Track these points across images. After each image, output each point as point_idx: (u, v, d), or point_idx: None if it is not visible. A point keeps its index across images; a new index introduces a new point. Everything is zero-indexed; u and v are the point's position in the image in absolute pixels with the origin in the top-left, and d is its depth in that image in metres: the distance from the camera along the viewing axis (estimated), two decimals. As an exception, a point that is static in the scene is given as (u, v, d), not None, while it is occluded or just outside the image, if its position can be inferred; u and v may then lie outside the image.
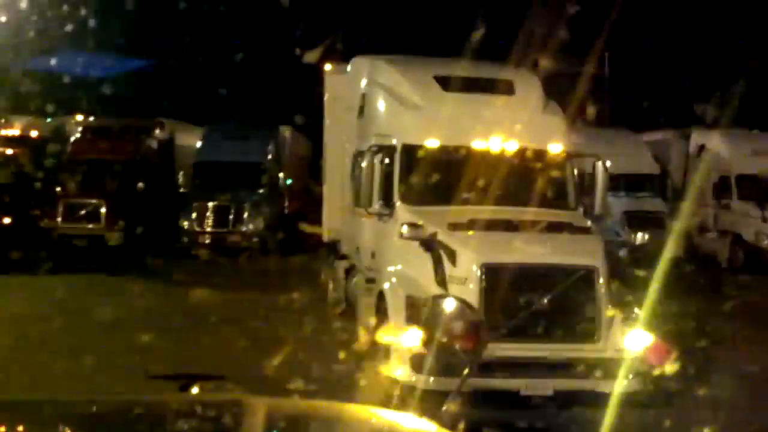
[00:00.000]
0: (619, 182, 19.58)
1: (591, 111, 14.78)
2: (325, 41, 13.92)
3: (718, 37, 25.79)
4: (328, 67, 11.65)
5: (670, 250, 9.42)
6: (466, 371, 3.52)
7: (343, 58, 11.71)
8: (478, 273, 7.59)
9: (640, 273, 10.00)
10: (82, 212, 17.59)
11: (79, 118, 20.60)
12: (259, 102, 24.91)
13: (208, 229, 18.28)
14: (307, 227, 11.69)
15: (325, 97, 11.66)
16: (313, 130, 14.86)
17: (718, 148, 20.01)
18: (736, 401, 7.61)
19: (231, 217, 18.31)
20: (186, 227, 18.24)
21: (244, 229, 18.24)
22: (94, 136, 19.16)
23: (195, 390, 3.16)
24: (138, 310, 11.06)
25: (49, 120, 20.57)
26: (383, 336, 7.59)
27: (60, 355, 8.24)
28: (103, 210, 17.52)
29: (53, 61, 17.52)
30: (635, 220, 18.85)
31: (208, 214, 18.35)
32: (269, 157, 19.81)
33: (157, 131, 19.75)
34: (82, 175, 17.88)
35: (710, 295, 13.29)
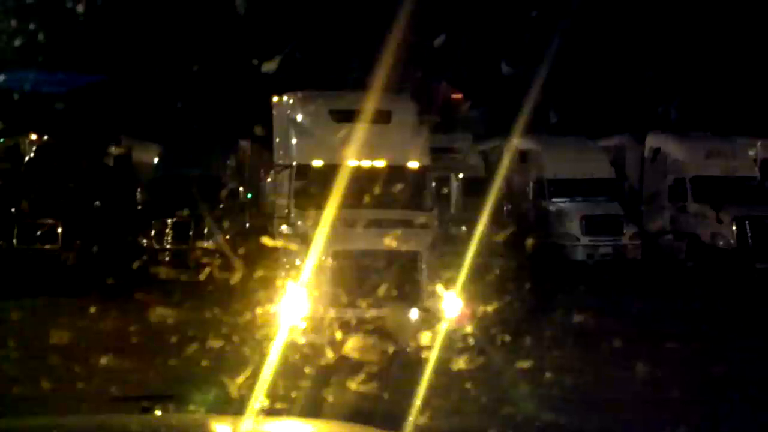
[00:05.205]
0: (575, 187, 19.91)
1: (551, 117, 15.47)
2: (283, 51, 14.54)
3: (675, 42, 26.30)
4: (275, 99, 13.81)
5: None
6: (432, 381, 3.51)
7: (301, 66, 12.91)
8: (330, 257, 10.26)
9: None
10: (38, 233, 17.23)
11: (33, 136, 20.20)
12: (217, 115, 24.68)
13: (168, 246, 18.02)
14: (268, 241, 11.67)
15: (274, 119, 13.75)
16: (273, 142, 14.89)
17: (673, 151, 20.38)
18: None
19: (191, 233, 18.08)
20: (145, 244, 17.96)
21: (204, 244, 18.02)
22: (48, 155, 18.79)
23: (158, 412, 3.10)
24: (97, 331, 10.85)
25: (1, 140, 20.13)
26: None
27: (17, 381, 8.03)
28: (59, 230, 17.18)
29: (2, 78, 17.18)
30: (592, 224, 19.10)
31: (167, 230, 18.08)
32: (229, 171, 19.63)
33: (114, 148, 19.45)
34: (38, 194, 17.52)
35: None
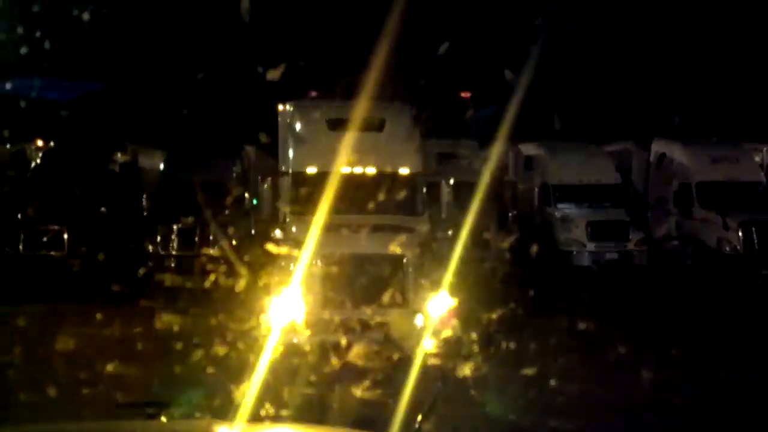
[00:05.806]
0: (581, 193, 19.88)
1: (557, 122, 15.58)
2: (287, 58, 14.71)
3: (679, 48, 26.29)
4: (280, 107, 14.02)
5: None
6: (438, 388, 3.51)
7: (305, 74, 13.07)
8: (319, 260, 10.52)
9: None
10: (44, 239, 17.28)
11: (39, 143, 20.28)
12: (222, 121, 24.74)
13: (174, 253, 18.04)
14: (272, 247, 11.70)
15: (279, 125, 13.91)
16: (278, 149, 14.98)
17: (678, 156, 20.35)
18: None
19: (196, 239, 18.10)
20: (151, 251, 17.98)
21: (210, 251, 18.03)
22: (54, 161, 18.86)
23: (163, 418, 3.10)
24: (103, 337, 10.86)
25: (8, 146, 20.22)
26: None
27: (22, 387, 8.04)
28: (65, 236, 17.22)
29: (8, 86, 17.27)
30: (598, 229, 19.06)
31: (173, 237, 18.12)
32: (234, 177, 19.65)
33: (119, 154, 19.49)
34: (43, 201, 17.58)
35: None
